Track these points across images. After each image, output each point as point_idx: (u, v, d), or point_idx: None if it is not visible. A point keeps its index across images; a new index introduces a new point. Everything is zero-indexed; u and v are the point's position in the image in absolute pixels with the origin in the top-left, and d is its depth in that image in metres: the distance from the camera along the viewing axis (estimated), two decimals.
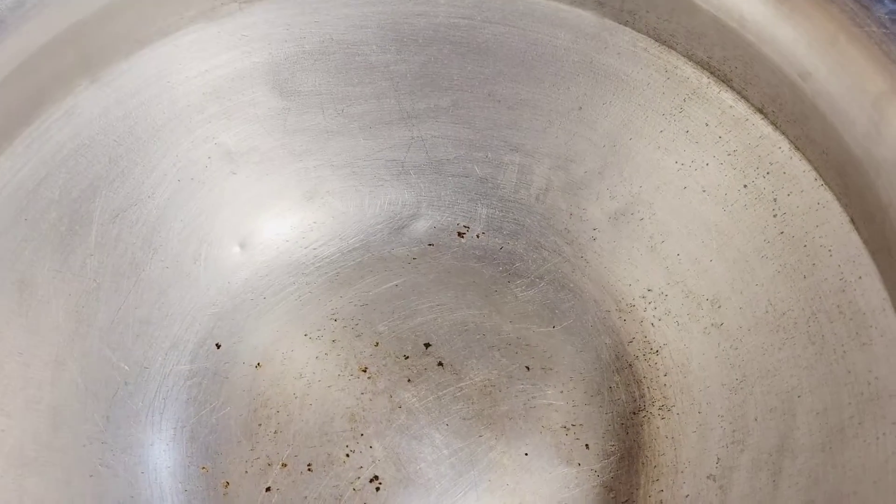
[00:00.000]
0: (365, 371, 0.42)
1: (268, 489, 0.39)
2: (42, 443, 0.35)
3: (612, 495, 0.38)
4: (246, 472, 0.40)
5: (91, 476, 0.36)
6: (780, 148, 0.37)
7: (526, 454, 0.40)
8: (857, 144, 0.32)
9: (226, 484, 0.38)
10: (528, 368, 0.42)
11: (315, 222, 0.45)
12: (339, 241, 0.45)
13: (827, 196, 0.35)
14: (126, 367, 0.39)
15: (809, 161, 0.36)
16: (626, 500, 0.39)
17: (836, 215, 0.35)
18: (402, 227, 0.46)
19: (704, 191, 0.40)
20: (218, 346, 0.42)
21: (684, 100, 0.40)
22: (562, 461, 0.39)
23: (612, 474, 0.39)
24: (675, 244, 0.42)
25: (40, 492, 0.34)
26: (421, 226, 0.46)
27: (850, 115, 0.32)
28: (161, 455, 0.39)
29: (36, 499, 0.34)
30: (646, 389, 0.42)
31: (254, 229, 0.44)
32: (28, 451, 0.34)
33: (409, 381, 0.42)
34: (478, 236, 0.46)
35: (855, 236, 0.34)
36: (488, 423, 0.41)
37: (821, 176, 0.36)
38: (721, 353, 0.40)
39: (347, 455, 0.40)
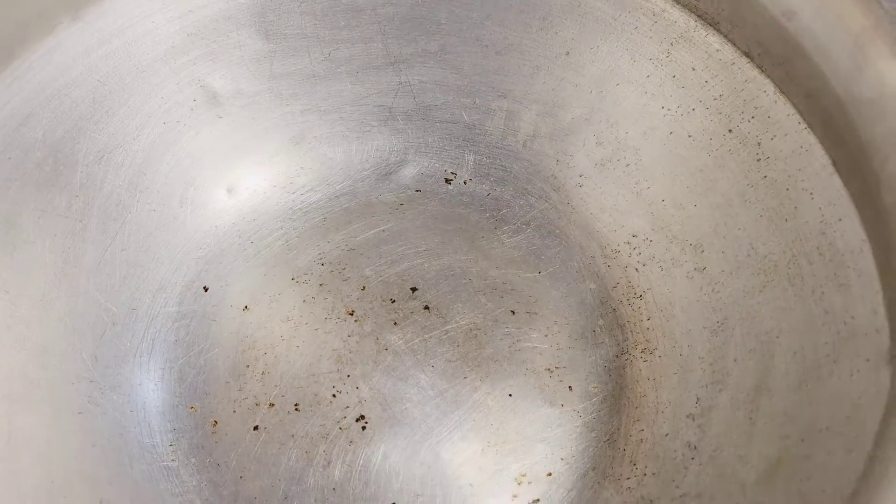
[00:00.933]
0: (352, 314, 0.43)
1: (255, 428, 0.40)
2: (30, 380, 0.35)
3: (593, 434, 0.39)
4: (234, 411, 0.40)
5: (79, 414, 0.37)
6: (765, 91, 0.37)
7: (510, 395, 0.41)
8: (839, 84, 0.32)
9: (214, 423, 0.39)
10: (513, 313, 0.43)
11: (302, 167, 0.45)
12: (326, 187, 0.45)
13: (810, 139, 0.36)
14: (113, 308, 0.39)
15: (793, 104, 0.36)
16: (608, 439, 0.39)
17: (818, 158, 0.35)
18: (390, 173, 0.46)
19: (690, 136, 0.41)
20: (205, 289, 0.43)
21: (671, 44, 0.40)
22: (545, 402, 0.40)
23: (594, 415, 0.40)
24: (660, 190, 0.42)
25: (29, 428, 0.34)
26: (408, 172, 0.46)
27: (832, 55, 0.32)
28: (149, 395, 0.40)
29: (25, 435, 0.34)
30: (629, 333, 0.42)
31: (241, 174, 0.44)
32: (16, 388, 0.35)
33: (395, 324, 0.42)
34: (465, 183, 0.46)
35: (836, 179, 0.34)
36: (473, 365, 0.41)
37: (804, 119, 0.36)
38: (703, 297, 0.40)
39: (334, 395, 0.40)
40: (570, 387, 0.41)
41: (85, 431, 0.36)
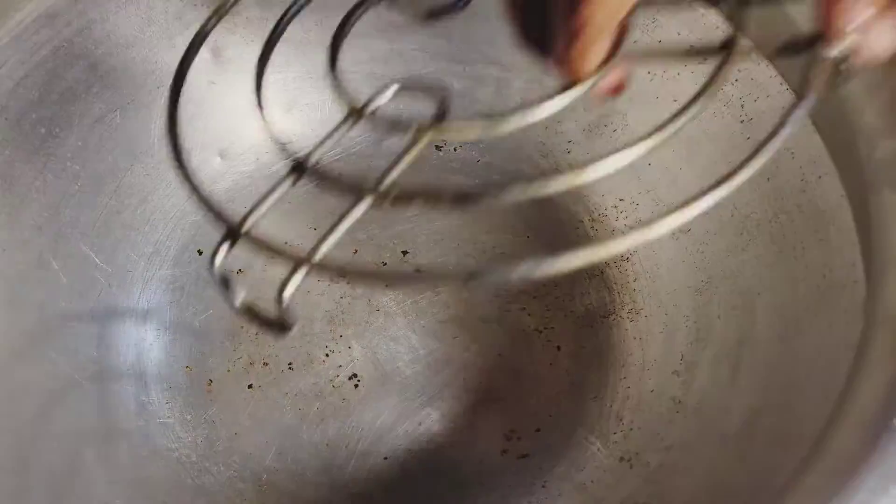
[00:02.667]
0: (344, 276, 0.43)
1: (249, 386, 0.41)
2: (30, 336, 0.36)
3: (581, 392, 0.40)
4: (228, 370, 0.41)
5: (78, 370, 0.37)
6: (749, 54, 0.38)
7: (499, 355, 0.42)
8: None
9: (209, 382, 0.39)
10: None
11: (295, 134, 0.46)
12: (318, 154, 0.46)
13: (791, 99, 0.36)
14: (109, 270, 0.40)
15: (776, 66, 0.37)
16: (595, 396, 0.40)
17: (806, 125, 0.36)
18: (381, 140, 0.46)
19: (675, 100, 0.41)
20: (200, 252, 0.43)
21: (658, 10, 0.41)
22: (534, 361, 0.41)
23: (581, 373, 0.40)
24: (647, 154, 0.43)
25: (32, 380, 0.35)
26: (399, 138, 0.46)
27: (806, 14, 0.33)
28: (145, 354, 0.40)
29: (27, 387, 0.35)
30: (616, 294, 0.43)
31: (234, 140, 0.45)
32: (17, 343, 0.35)
33: (386, 286, 0.43)
34: (455, 150, 0.46)
35: (817, 138, 0.35)
36: (463, 326, 0.42)
37: (786, 80, 0.37)
38: (688, 258, 0.41)
39: (327, 355, 0.41)
40: (558, 346, 0.42)
41: (83, 387, 0.37)
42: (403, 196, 0.22)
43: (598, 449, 0.39)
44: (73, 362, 0.37)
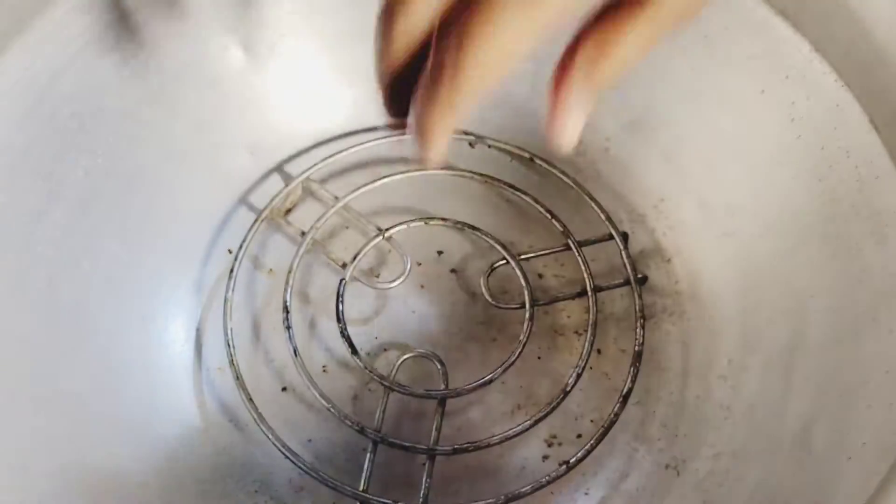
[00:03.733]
0: (377, 277, 0.42)
1: (283, 389, 0.40)
2: (63, 336, 0.35)
3: (623, 396, 0.39)
4: (261, 373, 0.40)
5: (110, 371, 0.36)
6: (800, 50, 0.37)
7: (539, 357, 0.41)
8: (883, 37, 0.32)
9: (242, 384, 0.38)
10: (540, 276, 0.43)
11: (326, 129, 0.45)
12: (348, 150, 0.45)
13: (846, 97, 0.35)
14: (139, 269, 0.39)
15: (830, 62, 0.36)
16: (638, 401, 0.39)
17: (855, 116, 0.35)
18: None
19: (721, 97, 0.40)
20: (230, 251, 0.42)
21: (703, 3, 0.39)
22: (574, 365, 0.40)
23: (623, 377, 0.39)
24: (689, 153, 0.42)
25: (60, 382, 0.34)
26: None
27: (877, 8, 0.32)
28: (177, 356, 0.40)
29: (55, 388, 0.34)
30: (657, 297, 0.42)
31: (264, 135, 0.44)
32: (48, 344, 0.34)
33: (422, 286, 0.42)
34: (489, 147, 0.45)
35: (874, 136, 0.34)
36: (501, 327, 0.41)
37: (841, 77, 0.35)
38: (733, 260, 0.40)
39: (362, 357, 0.40)
40: (598, 350, 0.41)
41: (116, 390, 0.36)
42: None
43: (643, 456, 0.38)
44: (104, 364, 0.36)
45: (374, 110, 0.44)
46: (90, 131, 0.37)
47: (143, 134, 0.39)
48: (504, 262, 0.41)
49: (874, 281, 0.33)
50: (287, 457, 0.35)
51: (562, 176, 0.43)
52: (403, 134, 0.25)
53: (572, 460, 0.36)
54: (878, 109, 0.34)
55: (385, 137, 0.44)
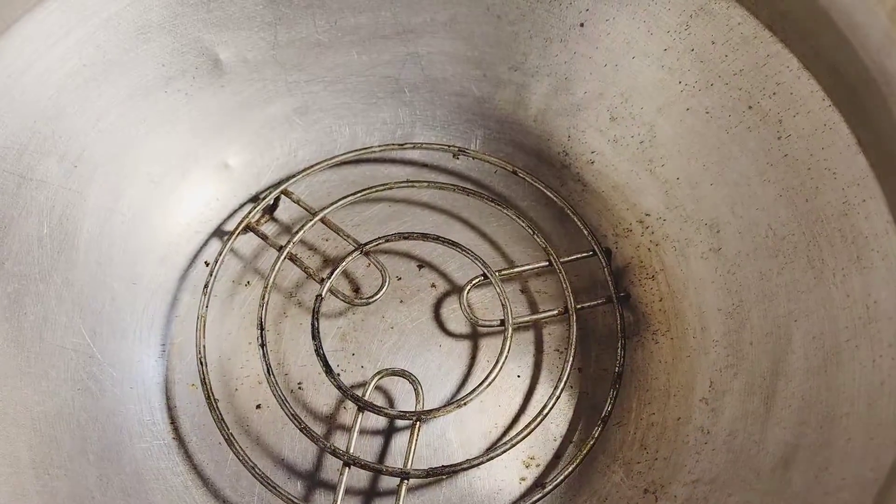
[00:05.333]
0: (357, 291, 0.42)
1: (258, 406, 0.39)
2: (29, 352, 0.34)
3: (603, 417, 0.38)
4: (236, 389, 0.39)
5: (79, 389, 0.36)
6: (788, 67, 0.36)
7: (518, 376, 0.40)
8: (870, 59, 0.31)
9: (215, 401, 0.38)
10: (522, 292, 0.42)
11: (306, 140, 0.44)
12: (329, 161, 0.44)
13: (834, 117, 0.34)
14: (113, 283, 0.38)
15: (818, 80, 0.35)
16: (618, 423, 0.39)
17: (842, 137, 0.34)
18: (396, 148, 0.45)
19: (708, 112, 0.39)
20: (206, 263, 0.42)
21: (691, 16, 0.39)
22: (553, 383, 0.39)
23: (604, 397, 0.39)
24: (675, 168, 0.41)
25: (28, 401, 0.33)
26: (415, 145, 0.45)
27: (864, 28, 0.31)
28: (149, 371, 0.39)
29: (24, 407, 0.33)
30: (640, 314, 0.41)
31: (242, 145, 0.43)
32: (13, 359, 0.34)
33: (401, 301, 0.41)
34: (472, 159, 0.44)
35: (861, 158, 0.33)
36: (482, 345, 0.40)
37: (829, 96, 0.35)
38: (718, 279, 0.39)
39: (338, 374, 0.39)
40: (579, 368, 0.40)
41: (85, 407, 0.35)
42: None
43: (622, 479, 0.37)
44: (71, 381, 0.36)
45: (367, 119, 0.44)
46: (61, 142, 0.36)
47: (117, 144, 0.38)
48: (484, 278, 0.40)
49: (858, 307, 0.32)
50: (257, 478, 0.35)
51: (546, 190, 0.42)
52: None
53: (549, 483, 0.36)
54: (865, 132, 0.33)
55: (365, 149, 0.43)
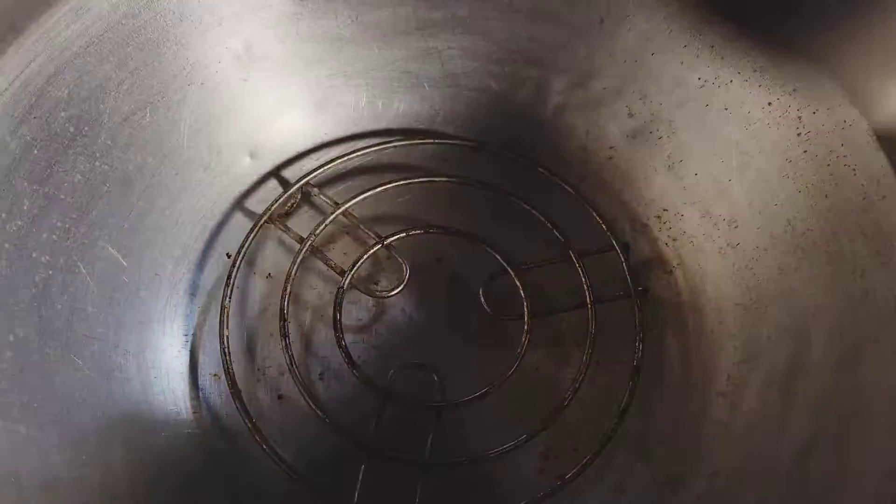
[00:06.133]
0: (377, 284, 0.42)
1: (280, 397, 0.39)
2: (58, 340, 0.35)
3: (621, 410, 0.39)
4: (258, 380, 0.40)
5: (106, 378, 0.36)
6: (808, 63, 0.36)
7: (537, 369, 0.40)
8: (891, 57, 0.31)
9: (238, 390, 0.38)
10: (540, 287, 0.42)
11: (326, 133, 0.44)
12: (350, 154, 0.44)
13: (854, 113, 0.35)
14: (136, 274, 0.39)
15: (836, 79, 0.35)
16: (637, 416, 0.39)
17: (862, 133, 0.34)
18: (416, 143, 0.45)
19: (727, 109, 0.40)
20: (228, 255, 0.42)
21: (710, 13, 0.39)
22: (571, 376, 0.39)
23: (621, 390, 0.39)
24: (694, 164, 0.42)
25: (58, 387, 0.34)
26: (435, 140, 0.45)
27: (887, 23, 0.31)
28: (172, 362, 0.39)
29: (52, 394, 0.34)
30: (658, 308, 0.42)
31: (265, 138, 0.43)
32: (42, 349, 0.34)
33: (421, 294, 0.42)
34: (492, 153, 0.45)
35: (881, 155, 0.34)
36: (500, 339, 0.41)
37: (849, 92, 0.35)
38: (736, 274, 0.40)
39: (359, 366, 0.40)
40: (597, 362, 0.40)
41: (111, 394, 0.36)
42: None
43: (640, 471, 0.38)
44: (99, 368, 0.36)
45: (387, 113, 0.44)
46: (87, 135, 0.36)
47: (141, 138, 0.39)
48: (503, 271, 0.40)
49: (877, 303, 0.33)
50: (280, 466, 0.35)
51: (564, 185, 0.43)
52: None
53: (568, 475, 0.36)
54: (885, 128, 0.33)
55: (385, 144, 0.44)
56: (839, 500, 0.30)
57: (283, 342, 0.38)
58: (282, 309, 0.39)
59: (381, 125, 0.45)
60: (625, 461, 0.38)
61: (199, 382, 0.39)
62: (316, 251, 0.41)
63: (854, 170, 0.35)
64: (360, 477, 0.35)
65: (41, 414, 0.33)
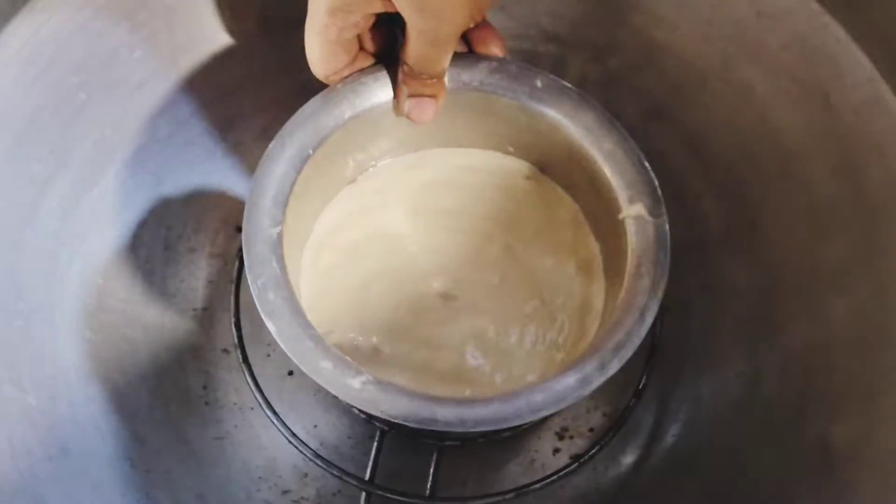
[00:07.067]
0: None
1: (290, 373, 0.39)
2: (69, 311, 0.34)
3: (637, 391, 0.38)
4: (268, 355, 0.39)
5: (114, 349, 0.36)
6: (836, 38, 0.35)
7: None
8: None
9: (249, 366, 0.37)
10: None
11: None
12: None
13: (883, 90, 0.34)
14: (145, 245, 0.38)
15: (866, 52, 0.34)
16: (652, 397, 0.38)
17: (891, 112, 0.34)
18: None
19: (750, 86, 0.39)
20: (239, 229, 0.41)
21: None
22: None
23: (638, 371, 0.38)
24: (713, 143, 0.41)
25: (69, 359, 0.34)
26: None
27: None
28: (182, 336, 0.39)
29: (62, 368, 0.33)
30: (675, 290, 0.41)
31: (277, 112, 0.42)
32: (56, 319, 0.34)
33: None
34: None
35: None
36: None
37: (878, 69, 0.34)
38: (754, 255, 0.39)
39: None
40: None
41: (122, 369, 0.35)
42: None
43: (655, 451, 0.37)
44: (109, 342, 0.35)
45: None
46: (99, 102, 0.36)
47: (154, 107, 0.38)
48: None
49: None
50: (291, 443, 0.35)
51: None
52: None
53: (584, 456, 0.36)
54: None
55: None
56: (858, 484, 0.29)
57: None
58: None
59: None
60: (641, 441, 0.38)
61: (210, 357, 0.39)
62: None
63: (882, 149, 0.34)
64: (373, 454, 0.35)
65: (47, 389, 0.33)
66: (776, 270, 0.38)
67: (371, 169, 0.38)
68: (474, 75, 0.33)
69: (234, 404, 0.38)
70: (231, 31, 0.39)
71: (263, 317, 0.29)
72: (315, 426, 0.38)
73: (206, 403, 0.38)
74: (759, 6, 0.37)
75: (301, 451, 0.35)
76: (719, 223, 0.41)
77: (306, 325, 0.30)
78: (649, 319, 0.29)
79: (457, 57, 0.33)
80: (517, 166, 0.39)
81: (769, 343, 0.37)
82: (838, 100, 0.35)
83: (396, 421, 0.27)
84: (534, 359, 0.34)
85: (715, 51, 0.39)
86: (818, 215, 0.36)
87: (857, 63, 0.35)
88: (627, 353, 0.29)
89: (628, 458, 0.37)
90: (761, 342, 0.37)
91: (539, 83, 0.34)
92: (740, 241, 0.40)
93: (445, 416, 0.27)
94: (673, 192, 0.42)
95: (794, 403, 0.35)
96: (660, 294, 0.30)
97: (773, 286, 0.38)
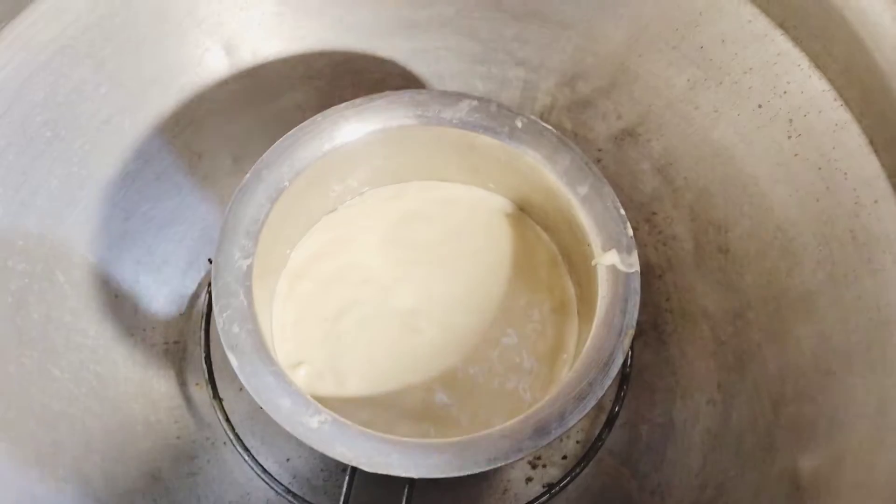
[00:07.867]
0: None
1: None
2: (36, 351, 0.34)
3: (609, 419, 0.38)
4: (240, 389, 0.39)
5: (83, 385, 0.35)
6: (799, 66, 0.35)
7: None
8: (884, 59, 0.31)
9: (220, 400, 0.37)
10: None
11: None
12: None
13: (846, 117, 0.34)
14: (115, 280, 0.38)
15: (829, 80, 0.35)
16: (624, 423, 0.39)
17: (854, 137, 0.34)
18: None
19: (716, 111, 0.39)
20: (210, 261, 0.41)
21: (700, 13, 0.38)
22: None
23: (610, 398, 0.38)
24: (682, 167, 0.41)
25: (37, 400, 0.33)
26: None
27: (880, 28, 0.31)
28: (154, 370, 0.39)
29: (29, 409, 0.33)
30: (647, 314, 0.41)
31: (247, 145, 0.43)
32: (22, 358, 0.33)
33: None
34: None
35: (874, 159, 0.33)
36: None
37: (840, 95, 0.34)
38: (725, 279, 0.39)
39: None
40: None
41: (91, 407, 0.35)
42: None
43: (627, 481, 0.37)
44: (78, 380, 0.35)
45: None
46: (65, 139, 0.36)
47: (122, 141, 0.38)
48: None
49: (868, 310, 0.32)
50: (262, 479, 0.35)
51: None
52: None
53: (557, 485, 0.36)
54: (877, 132, 0.33)
55: None
56: None
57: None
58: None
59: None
60: (614, 470, 0.38)
61: (181, 392, 0.39)
62: None
63: (846, 174, 0.34)
64: (345, 487, 0.35)
65: (19, 427, 0.33)
66: (745, 295, 0.38)
67: (351, 199, 0.38)
68: (455, 113, 0.34)
69: (207, 439, 0.38)
70: (198, 64, 0.39)
71: (226, 350, 0.29)
72: (287, 459, 0.38)
73: (178, 437, 0.38)
74: (723, 33, 0.38)
75: (272, 487, 0.35)
76: (690, 245, 0.41)
77: (269, 360, 0.30)
78: (613, 371, 0.30)
79: (438, 94, 0.33)
80: (497, 203, 0.39)
81: (739, 370, 0.37)
82: (802, 126, 0.36)
83: (350, 464, 0.27)
84: (502, 400, 0.34)
85: (681, 76, 0.39)
86: (785, 241, 0.36)
87: (821, 90, 0.35)
88: (589, 403, 0.29)
89: (601, 486, 0.37)
90: (732, 370, 0.37)
91: (519, 123, 0.34)
92: (711, 264, 0.40)
93: (400, 461, 0.27)
94: (644, 215, 0.42)
95: (764, 432, 0.35)
96: (626, 345, 0.30)
97: (744, 311, 0.38)
